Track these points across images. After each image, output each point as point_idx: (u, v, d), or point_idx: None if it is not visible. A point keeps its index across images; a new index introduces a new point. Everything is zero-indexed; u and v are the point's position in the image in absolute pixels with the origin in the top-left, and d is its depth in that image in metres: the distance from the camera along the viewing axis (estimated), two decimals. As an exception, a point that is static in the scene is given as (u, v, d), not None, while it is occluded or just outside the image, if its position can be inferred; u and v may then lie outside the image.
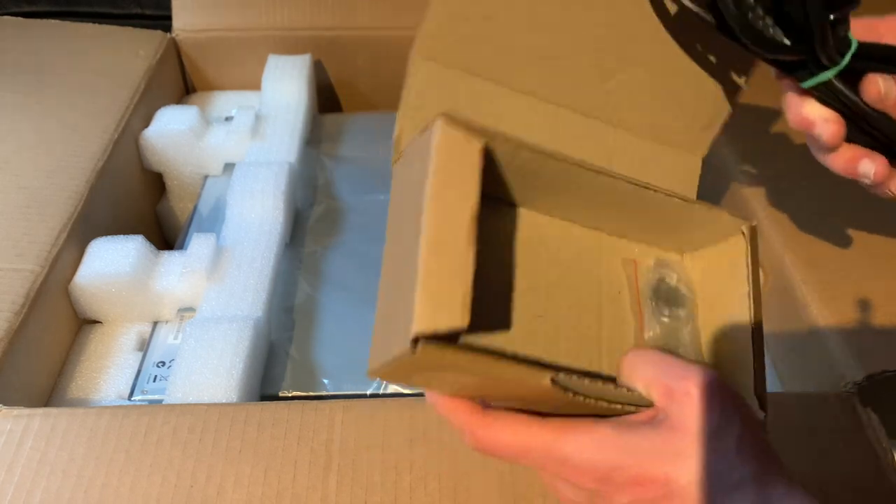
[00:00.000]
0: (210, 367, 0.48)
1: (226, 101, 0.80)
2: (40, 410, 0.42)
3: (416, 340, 0.26)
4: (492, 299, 0.33)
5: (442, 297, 0.26)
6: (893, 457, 0.41)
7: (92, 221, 0.57)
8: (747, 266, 0.35)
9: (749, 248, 0.35)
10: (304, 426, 0.41)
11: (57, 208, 0.55)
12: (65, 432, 0.41)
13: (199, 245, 0.56)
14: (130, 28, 0.76)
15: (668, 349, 0.34)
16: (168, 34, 0.78)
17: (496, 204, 0.35)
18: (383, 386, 0.52)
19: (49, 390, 0.51)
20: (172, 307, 0.56)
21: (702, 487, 0.28)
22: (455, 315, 0.26)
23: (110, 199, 0.61)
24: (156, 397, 0.50)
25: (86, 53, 0.72)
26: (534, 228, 0.36)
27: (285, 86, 0.74)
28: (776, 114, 0.66)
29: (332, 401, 0.43)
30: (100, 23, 0.76)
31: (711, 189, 0.66)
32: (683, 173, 0.38)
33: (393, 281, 0.31)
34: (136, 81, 0.69)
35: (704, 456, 0.28)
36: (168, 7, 0.78)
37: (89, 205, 0.57)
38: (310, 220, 0.65)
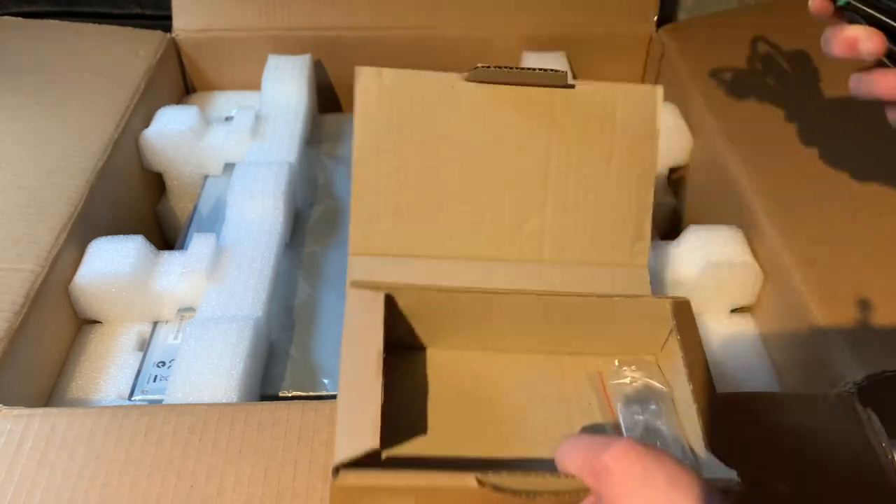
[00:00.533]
0: (210, 367, 0.48)
1: (226, 101, 0.80)
2: (40, 410, 0.42)
3: (336, 469, 0.28)
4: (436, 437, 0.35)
5: (355, 428, 0.29)
6: (893, 457, 0.41)
7: (92, 221, 0.57)
8: (675, 336, 0.35)
9: (674, 321, 0.35)
10: (304, 426, 0.41)
11: (57, 208, 0.55)
12: (65, 432, 0.41)
13: (199, 245, 0.56)
14: (130, 28, 0.76)
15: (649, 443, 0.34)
16: (168, 34, 0.78)
17: (419, 352, 0.38)
18: (383, 386, 0.52)
19: (49, 390, 0.51)
20: (172, 307, 0.56)
21: None
22: (367, 439, 0.28)
23: (110, 199, 0.61)
24: (156, 397, 0.50)
25: (86, 53, 0.72)
26: (473, 363, 0.38)
27: (285, 86, 0.74)
28: (776, 114, 0.66)
29: (332, 401, 0.43)
30: (100, 23, 0.76)
31: (712, 190, 0.66)
32: (632, 285, 0.39)
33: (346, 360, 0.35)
34: (136, 81, 0.69)
35: None
36: (168, 7, 0.78)
37: (89, 205, 0.57)
38: (310, 220, 0.65)
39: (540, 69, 0.37)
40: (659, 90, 0.39)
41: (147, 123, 0.69)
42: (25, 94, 0.65)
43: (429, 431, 0.34)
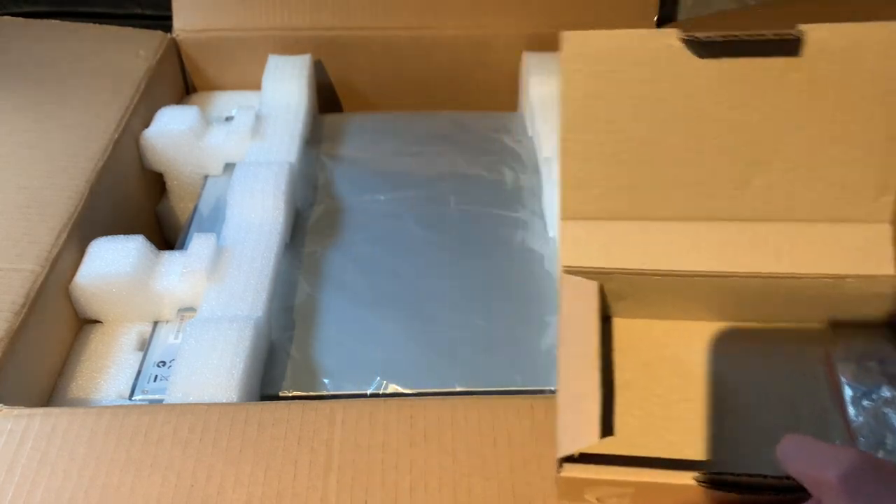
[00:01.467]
0: (210, 367, 0.48)
1: (226, 101, 0.80)
2: (41, 410, 0.42)
3: (560, 462, 0.31)
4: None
5: (576, 424, 0.32)
6: (894, 457, 0.41)
7: (92, 221, 0.57)
8: None
9: None
10: (305, 426, 0.41)
11: (57, 208, 0.55)
12: (65, 432, 0.41)
13: (199, 245, 0.56)
14: (130, 28, 0.76)
15: (876, 437, 0.33)
16: (168, 34, 0.78)
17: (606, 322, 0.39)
18: (383, 386, 0.52)
19: (49, 390, 0.51)
20: (173, 307, 0.56)
21: None
22: (588, 436, 0.31)
23: (110, 199, 0.61)
24: (156, 397, 0.50)
25: (86, 53, 0.72)
26: (670, 333, 0.38)
27: (285, 86, 0.74)
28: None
29: (332, 401, 0.43)
30: (100, 23, 0.76)
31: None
32: (872, 244, 0.36)
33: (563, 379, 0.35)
34: (137, 81, 0.69)
35: None
36: (168, 7, 0.78)
37: (89, 205, 0.57)
38: (310, 220, 0.65)
39: (769, 34, 0.34)
40: None
41: (147, 123, 0.69)
42: (25, 94, 0.65)
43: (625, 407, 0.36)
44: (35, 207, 0.55)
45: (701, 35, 0.34)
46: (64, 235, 0.53)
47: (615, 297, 0.37)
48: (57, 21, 0.77)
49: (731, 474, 0.30)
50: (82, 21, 0.77)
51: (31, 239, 0.52)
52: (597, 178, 0.35)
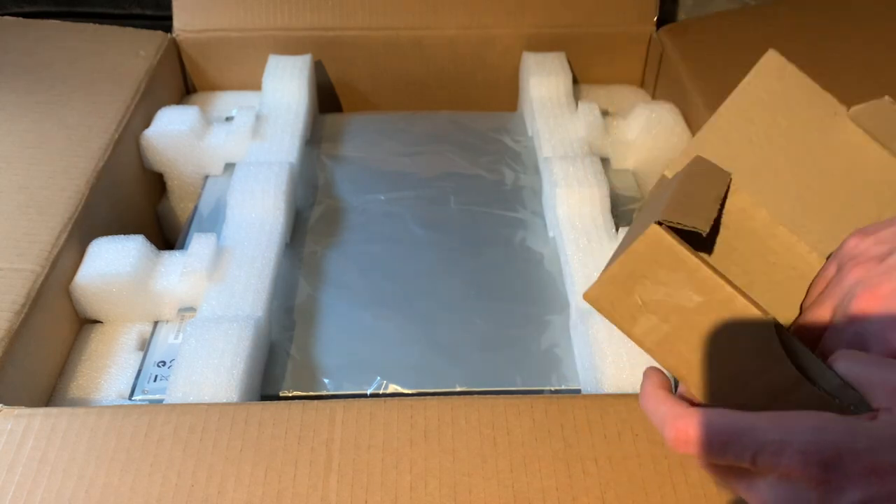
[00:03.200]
0: (211, 367, 0.48)
1: (226, 101, 0.80)
2: (41, 410, 0.42)
3: (659, 223, 0.28)
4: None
5: (689, 207, 0.29)
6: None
7: (92, 221, 0.58)
8: None
9: None
10: (305, 426, 0.41)
11: (57, 208, 0.55)
12: (65, 432, 0.41)
13: (199, 245, 0.56)
14: (131, 28, 0.76)
15: None
16: (169, 34, 0.78)
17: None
18: (383, 386, 0.52)
19: (50, 390, 0.51)
20: (173, 307, 0.56)
21: None
22: (700, 220, 0.28)
23: (111, 199, 0.62)
24: (156, 397, 0.51)
25: (86, 53, 0.72)
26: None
27: (285, 86, 0.74)
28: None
29: (333, 400, 0.43)
30: (100, 23, 0.76)
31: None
32: None
33: (633, 229, 0.32)
34: (137, 81, 0.69)
35: None
36: (169, 7, 0.78)
37: (90, 205, 0.57)
38: (310, 220, 0.65)
39: None
40: None
41: (147, 123, 0.69)
42: (25, 94, 0.65)
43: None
44: (35, 207, 0.55)
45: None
46: (64, 235, 0.53)
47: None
48: (57, 21, 0.77)
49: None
50: (82, 21, 0.77)
51: (31, 239, 0.52)
52: (724, 158, 0.35)
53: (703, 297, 0.28)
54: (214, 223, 0.64)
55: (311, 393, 0.51)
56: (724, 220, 0.35)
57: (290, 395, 0.51)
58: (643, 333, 0.31)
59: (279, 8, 0.78)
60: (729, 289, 0.28)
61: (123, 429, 0.41)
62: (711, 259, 0.37)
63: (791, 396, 0.28)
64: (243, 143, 0.68)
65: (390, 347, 0.54)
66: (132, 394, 0.51)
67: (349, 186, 0.69)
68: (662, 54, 0.79)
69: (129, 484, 0.39)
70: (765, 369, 0.29)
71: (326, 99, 0.84)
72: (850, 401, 0.28)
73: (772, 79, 0.38)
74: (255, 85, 0.77)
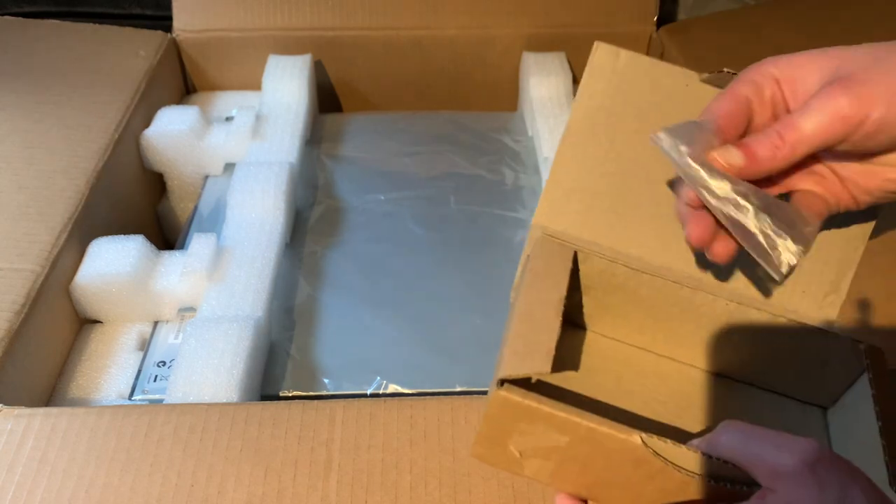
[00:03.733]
0: (211, 367, 0.48)
1: (226, 101, 0.80)
2: (41, 410, 0.42)
3: (501, 382, 0.28)
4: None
5: (527, 351, 0.29)
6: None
7: (92, 221, 0.58)
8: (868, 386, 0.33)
9: (871, 371, 0.33)
10: (305, 426, 0.41)
11: (57, 208, 0.55)
12: (65, 432, 0.41)
13: (199, 245, 0.56)
14: (131, 28, 0.76)
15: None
16: (168, 34, 0.78)
17: (580, 331, 0.37)
18: (383, 386, 0.52)
19: (50, 390, 0.51)
20: (173, 307, 0.56)
21: None
22: (538, 362, 0.28)
23: (111, 199, 0.61)
24: (156, 397, 0.51)
25: (86, 53, 0.72)
26: (631, 361, 0.37)
27: (285, 86, 0.74)
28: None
29: (332, 401, 0.43)
30: (100, 23, 0.76)
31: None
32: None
33: (510, 320, 0.33)
34: (137, 81, 0.69)
35: None
36: (168, 7, 0.78)
37: (90, 205, 0.57)
38: (310, 220, 0.65)
39: None
40: None
41: (147, 123, 0.69)
42: (26, 94, 0.65)
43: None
44: (35, 207, 0.55)
45: (722, 81, 0.34)
46: (64, 235, 0.53)
47: (588, 287, 0.36)
48: (57, 21, 0.77)
49: (677, 444, 0.28)
50: (82, 21, 0.77)
51: (31, 239, 0.52)
52: (581, 192, 0.35)
53: (568, 436, 0.29)
54: (214, 223, 0.64)
55: (311, 393, 0.51)
56: (587, 283, 0.35)
57: (290, 395, 0.51)
58: (534, 473, 0.31)
59: (279, 8, 0.78)
60: (586, 424, 0.28)
61: (123, 429, 0.41)
62: (600, 320, 0.37)
63: (687, 490, 0.29)
64: (243, 143, 0.68)
65: (390, 347, 0.54)
66: (132, 394, 0.51)
67: (349, 186, 0.69)
68: (662, 54, 0.79)
69: (129, 484, 0.39)
70: (650, 476, 0.29)
71: (326, 99, 0.84)
72: (740, 480, 0.28)
73: (607, 76, 0.35)
74: (255, 85, 0.77)
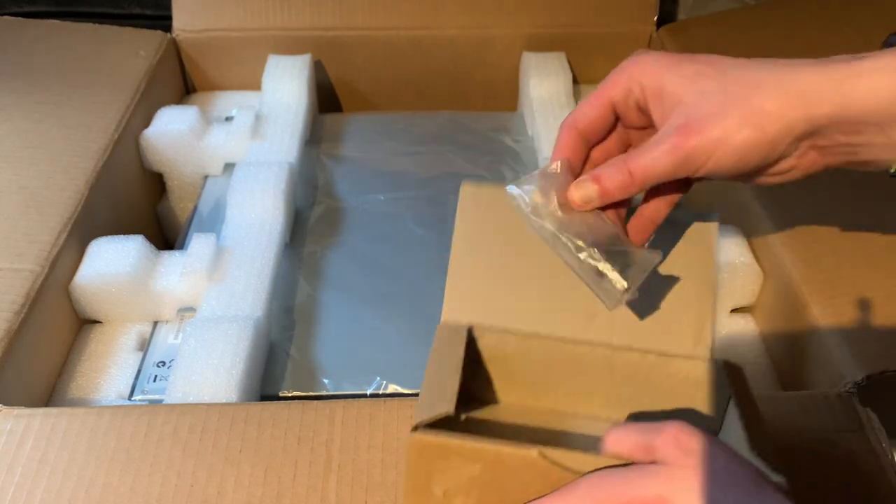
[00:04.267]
0: (210, 367, 0.48)
1: (226, 101, 0.80)
2: (41, 410, 0.42)
3: (415, 428, 0.32)
4: None
5: (435, 396, 0.33)
6: (893, 457, 0.41)
7: (92, 221, 0.57)
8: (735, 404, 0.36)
9: (733, 388, 0.36)
10: (305, 426, 0.41)
11: (57, 208, 0.55)
12: (65, 432, 0.41)
13: (199, 245, 0.56)
14: (130, 28, 0.76)
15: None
16: (168, 34, 0.78)
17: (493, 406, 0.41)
18: (383, 386, 0.52)
19: (49, 390, 0.51)
20: (173, 307, 0.56)
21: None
22: (444, 404, 0.32)
23: (110, 199, 0.61)
24: (156, 397, 0.51)
25: (86, 53, 0.72)
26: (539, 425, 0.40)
27: (285, 86, 0.74)
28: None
29: (332, 401, 0.43)
30: (100, 23, 0.76)
31: (712, 190, 0.66)
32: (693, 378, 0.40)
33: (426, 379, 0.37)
34: (137, 81, 0.69)
35: (699, 478, 0.28)
36: (168, 7, 0.78)
37: (89, 205, 0.57)
38: (310, 220, 0.65)
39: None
40: (714, 225, 0.40)
41: (147, 123, 0.69)
42: (26, 94, 0.65)
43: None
44: (35, 207, 0.55)
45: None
46: (64, 235, 0.53)
47: (490, 359, 0.39)
48: (57, 21, 0.77)
49: (573, 449, 0.31)
50: (82, 21, 0.77)
51: (31, 239, 0.52)
52: (475, 295, 0.39)
53: (479, 463, 0.32)
54: (214, 223, 0.64)
55: (311, 393, 0.51)
56: (487, 355, 0.39)
57: (290, 395, 0.51)
58: None
59: (279, 8, 0.78)
60: (490, 447, 0.32)
61: (123, 429, 0.41)
62: (507, 392, 0.40)
63: None
64: (243, 143, 0.68)
65: (390, 347, 0.54)
66: (132, 394, 0.51)
67: (349, 186, 0.69)
68: (662, 54, 0.79)
69: (129, 484, 0.39)
70: (557, 486, 0.32)
71: (326, 99, 0.84)
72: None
73: (478, 210, 0.40)
74: (255, 85, 0.77)
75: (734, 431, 0.34)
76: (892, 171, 0.34)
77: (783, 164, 0.35)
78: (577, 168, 0.37)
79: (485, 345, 0.39)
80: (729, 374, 0.37)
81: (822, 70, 0.32)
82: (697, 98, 0.33)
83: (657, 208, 0.37)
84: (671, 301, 0.39)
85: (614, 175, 0.35)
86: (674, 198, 0.37)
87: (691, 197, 0.43)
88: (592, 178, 0.35)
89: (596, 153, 0.38)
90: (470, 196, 0.41)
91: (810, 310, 0.50)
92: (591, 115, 0.37)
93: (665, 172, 0.34)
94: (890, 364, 0.45)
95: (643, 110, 0.36)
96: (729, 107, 0.33)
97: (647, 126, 0.37)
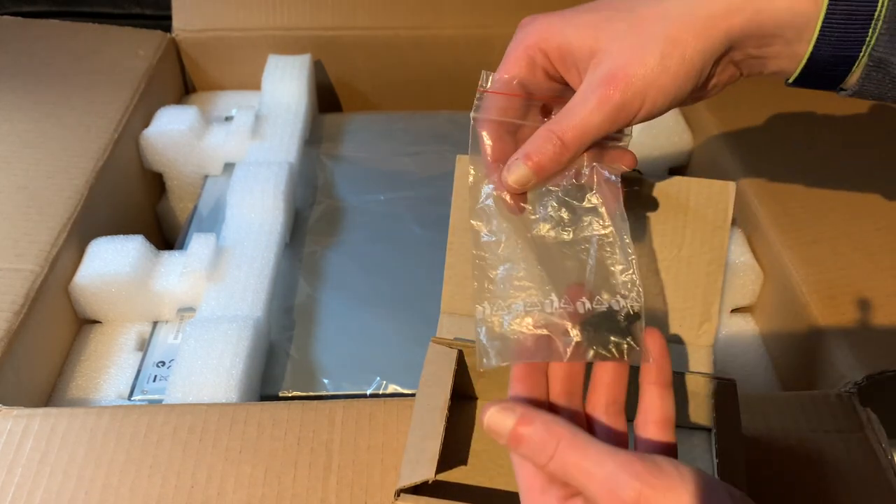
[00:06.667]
0: (210, 367, 0.48)
1: (226, 101, 0.80)
2: (40, 410, 0.42)
3: (397, 493, 0.34)
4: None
5: (417, 459, 0.34)
6: (893, 457, 0.41)
7: (92, 221, 0.57)
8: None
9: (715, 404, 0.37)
10: (304, 426, 0.41)
11: (57, 208, 0.55)
12: (65, 432, 0.41)
13: (199, 245, 0.56)
14: (130, 28, 0.76)
15: None
16: (168, 34, 0.78)
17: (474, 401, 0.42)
18: (383, 386, 0.52)
19: (49, 390, 0.51)
20: (172, 307, 0.56)
21: None
22: (425, 470, 0.34)
23: (110, 199, 0.61)
24: (156, 397, 0.50)
25: (86, 53, 0.72)
26: None
27: (285, 86, 0.74)
28: (775, 112, 0.66)
29: (332, 401, 0.43)
30: (100, 23, 0.76)
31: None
32: (695, 363, 0.41)
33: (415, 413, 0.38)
34: (136, 81, 0.69)
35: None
36: (168, 7, 0.78)
37: (89, 205, 0.57)
38: (310, 220, 0.65)
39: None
40: (731, 187, 0.40)
41: (147, 123, 0.69)
42: (25, 94, 0.65)
43: (470, 465, 0.39)
44: (35, 207, 0.55)
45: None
46: (64, 235, 0.53)
47: (474, 369, 0.40)
48: (57, 21, 0.77)
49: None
50: (82, 21, 0.77)
51: (31, 239, 0.52)
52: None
53: None
54: (214, 223, 0.64)
55: (311, 393, 0.51)
56: (475, 371, 0.40)
57: (290, 395, 0.51)
58: None
59: (279, 8, 0.78)
60: None
61: (123, 429, 0.41)
62: (491, 394, 0.41)
63: None
64: (243, 143, 0.68)
65: (390, 347, 0.54)
66: (131, 394, 0.51)
67: (349, 186, 0.69)
68: (662, 54, 0.79)
69: (129, 485, 0.39)
70: None
71: (326, 99, 0.84)
72: None
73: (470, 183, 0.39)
74: (255, 85, 0.77)
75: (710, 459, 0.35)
76: (789, 80, 0.34)
77: (709, 84, 0.34)
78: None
79: (472, 361, 0.39)
80: (716, 395, 0.37)
81: None
82: (611, 43, 0.32)
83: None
84: (680, 277, 0.38)
85: (544, 147, 0.33)
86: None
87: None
88: (522, 158, 0.33)
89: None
90: (466, 167, 0.40)
91: (810, 310, 0.50)
92: (502, 103, 0.35)
93: (600, 129, 0.32)
94: (890, 364, 0.45)
95: (553, 76, 0.35)
96: (647, 44, 0.31)
97: (563, 94, 0.35)
